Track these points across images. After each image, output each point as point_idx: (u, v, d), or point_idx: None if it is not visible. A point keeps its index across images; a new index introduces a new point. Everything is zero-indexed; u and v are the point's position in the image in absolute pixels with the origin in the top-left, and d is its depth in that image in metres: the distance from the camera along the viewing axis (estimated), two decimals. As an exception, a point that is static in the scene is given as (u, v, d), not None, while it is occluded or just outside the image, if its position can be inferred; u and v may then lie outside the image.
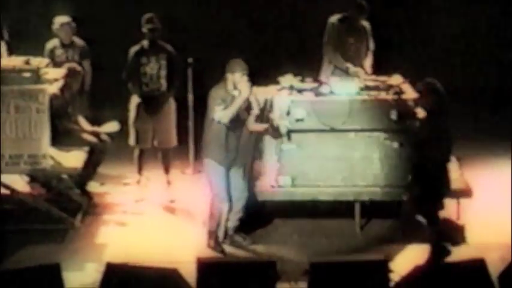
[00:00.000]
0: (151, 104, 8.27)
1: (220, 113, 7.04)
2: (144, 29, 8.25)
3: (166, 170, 8.36)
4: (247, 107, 7.23)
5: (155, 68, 8.22)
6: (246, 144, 7.26)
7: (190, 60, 9.08)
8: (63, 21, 8.89)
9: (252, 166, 7.56)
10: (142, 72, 8.25)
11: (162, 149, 8.31)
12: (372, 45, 8.42)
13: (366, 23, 8.37)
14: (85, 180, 8.18)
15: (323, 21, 8.61)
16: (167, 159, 8.36)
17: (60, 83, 8.15)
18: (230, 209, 7.20)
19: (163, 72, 8.24)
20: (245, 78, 7.10)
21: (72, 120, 8.21)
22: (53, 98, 7.99)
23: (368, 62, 8.41)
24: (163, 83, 8.27)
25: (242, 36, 10.95)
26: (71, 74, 8.19)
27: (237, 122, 7.11)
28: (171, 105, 8.32)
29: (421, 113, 7.52)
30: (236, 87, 7.11)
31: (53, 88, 8.09)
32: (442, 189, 6.94)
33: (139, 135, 8.29)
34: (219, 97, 7.08)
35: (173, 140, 8.33)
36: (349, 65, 8.25)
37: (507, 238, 7.25)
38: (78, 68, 8.31)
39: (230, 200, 7.17)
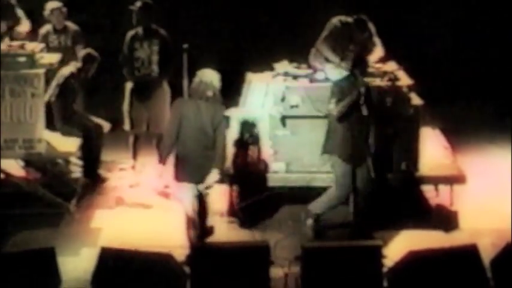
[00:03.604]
0: (143, 89, 8.26)
1: (331, 106, 6.97)
2: (137, 15, 8.23)
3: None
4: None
5: (147, 54, 8.20)
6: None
7: (185, 46, 9.08)
8: (53, 7, 8.88)
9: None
10: (135, 57, 8.24)
11: (156, 135, 8.32)
12: (377, 40, 8.18)
13: (371, 26, 8.07)
14: (94, 164, 8.15)
15: (319, 7, 8.57)
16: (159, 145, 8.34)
17: (78, 65, 8.15)
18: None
19: (155, 58, 8.20)
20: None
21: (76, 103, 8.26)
22: (71, 76, 7.99)
23: (373, 57, 8.10)
24: (155, 68, 8.24)
25: (237, 22, 10.95)
26: (89, 59, 8.17)
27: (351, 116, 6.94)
28: (164, 91, 8.29)
29: (416, 99, 7.55)
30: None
31: (71, 68, 8.10)
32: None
33: (133, 120, 8.29)
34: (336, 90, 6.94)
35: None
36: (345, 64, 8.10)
37: (499, 224, 7.29)
38: (95, 53, 8.29)
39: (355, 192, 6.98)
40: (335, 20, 8.05)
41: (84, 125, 8.17)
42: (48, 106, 7.97)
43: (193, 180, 6.71)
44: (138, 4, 8.21)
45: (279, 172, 7.66)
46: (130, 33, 8.32)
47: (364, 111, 6.93)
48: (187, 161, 6.69)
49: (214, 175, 6.69)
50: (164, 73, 8.24)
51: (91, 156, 8.15)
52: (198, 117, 6.67)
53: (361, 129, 7.08)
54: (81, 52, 8.36)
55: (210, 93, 6.76)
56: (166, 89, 8.32)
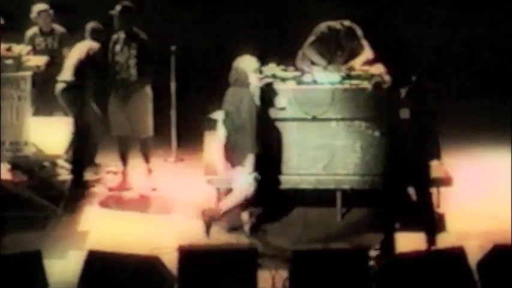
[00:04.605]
0: (124, 93, 8.21)
1: None
2: (118, 19, 8.18)
3: (146, 159, 8.34)
4: None
5: (125, 57, 8.15)
6: None
7: (173, 48, 9.07)
8: (40, 9, 8.86)
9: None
10: (115, 61, 8.20)
11: (139, 138, 8.29)
12: (365, 43, 8.17)
13: (358, 31, 8.08)
14: (81, 167, 8.17)
15: (306, 10, 8.57)
16: (145, 148, 8.30)
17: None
18: None
19: (132, 62, 8.12)
20: None
21: None
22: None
23: (360, 60, 8.08)
24: (133, 72, 8.14)
25: (224, 24, 10.96)
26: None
27: None
28: (145, 95, 8.18)
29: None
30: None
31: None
32: (419, 182, 6.95)
33: (115, 123, 8.26)
34: None
35: (147, 130, 8.20)
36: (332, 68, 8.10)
37: (486, 226, 7.32)
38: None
39: None
40: (323, 26, 8.05)
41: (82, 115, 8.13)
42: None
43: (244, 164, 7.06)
44: (118, 8, 8.17)
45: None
46: (113, 37, 8.29)
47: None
48: (239, 146, 6.97)
49: (251, 159, 7.01)
50: (143, 77, 8.16)
51: (81, 158, 8.14)
52: (241, 106, 7.05)
53: None
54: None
55: (248, 80, 7.08)
56: (146, 92, 8.21)
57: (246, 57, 7.34)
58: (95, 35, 8.31)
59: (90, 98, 8.36)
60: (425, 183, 6.94)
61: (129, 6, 8.18)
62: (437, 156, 7.10)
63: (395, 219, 6.90)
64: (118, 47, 8.19)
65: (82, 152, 8.24)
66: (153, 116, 8.34)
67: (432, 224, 6.92)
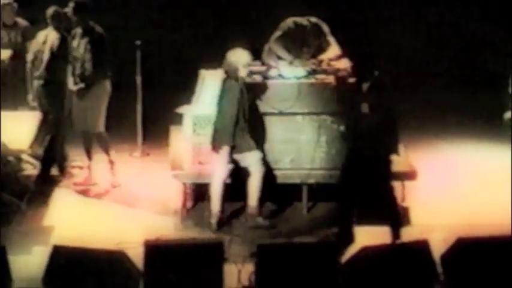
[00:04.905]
0: (80, 89, 8.13)
1: None
2: (72, 16, 8.11)
3: (106, 153, 8.27)
4: None
5: (81, 53, 8.08)
6: None
7: (138, 42, 9.03)
8: (3, 2, 8.76)
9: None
10: (73, 56, 8.13)
11: (95, 133, 8.22)
12: (332, 39, 8.18)
13: (325, 27, 8.10)
14: (50, 163, 8.13)
15: (273, 5, 8.56)
16: (102, 143, 8.21)
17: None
18: None
19: (87, 56, 8.05)
20: None
21: None
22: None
23: (326, 56, 8.05)
24: (88, 67, 8.08)
25: (191, 19, 10.94)
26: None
27: None
28: (101, 90, 8.10)
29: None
30: None
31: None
32: (378, 177, 6.99)
33: (74, 119, 8.20)
34: None
35: (99, 125, 8.14)
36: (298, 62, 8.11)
37: (450, 219, 7.40)
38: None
39: None
40: (289, 21, 8.07)
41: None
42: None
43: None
44: (71, 5, 8.11)
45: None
46: (71, 32, 8.23)
47: None
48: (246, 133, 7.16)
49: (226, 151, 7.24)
50: (98, 72, 8.09)
51: (52, 154, 8.09)
52: (241, 98, 7.18)
53: None
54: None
55: (241, 73, 7.17)
56: (103, 87, 8.13)
57: (238, 50, 7.38)
58: (56, 23, 8.21)
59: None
60: (385, 177, 6.99)
61: (82, 3, 8.10)
62: (396, 150, 7.15)
63: (352, 213, 6.95)
64: (75, 43, 8.14)
65: (54, 148, 8.18)
66: (118, 110, 8.30)
67: (395, 217, 6.98)
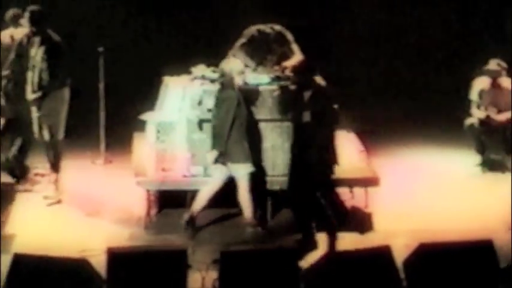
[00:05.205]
0: (39, 97, 8.04)
1: None
2: (29, 24, 8.05)
3: (55, 163, 8.06)
4: None
5: (38, 61, 8.01)
6: None
7: (100, 49, 8.99)
8: None
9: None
10: (31, 64, 8.06)
11: (51, 142, 8.06)
12: (295, 47, 8.20)
13: (289, 35, 8.08)
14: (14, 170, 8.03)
15: (237, 13, 8.57)
16: (56, 152, 8.05)
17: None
18: None
19: (44, 65, 7.96)
20: None
21: None
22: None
23: (289, 63, 8.00)
24: (45, 76, 7.97)
25: (154, 25, 10.92)
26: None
27: None
28: (58, 98, 8.02)
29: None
30: None
31: None
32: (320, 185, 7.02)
33: (38, 128, 8.12)
34: None
35: (58, 134, 8.02)
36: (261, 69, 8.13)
37: (412, 225, 7.46)
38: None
39: None
40: (253, 29, 8.10)
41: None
42: None
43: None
44: (27, 14, 8.05)
45: (197, 176, 7.67)
46: (30, 40, 8.15)
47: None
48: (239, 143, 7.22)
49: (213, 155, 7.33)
50: (55, 81, 8.02)
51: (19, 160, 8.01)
52: (237, 107, 7.25)
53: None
54: None
55: (234, 82, 7.22)
56: (61, 95, 8.06)
57: (230, 60, 7.54)
58: (16, 24, 8.15)
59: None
60: (326, 186, 6.98)
61: (36, 11, 8.03)
62: (335, 160, 7.18)
63: (310, 220, 6.97)
64: (33, 51, 8.07)
65: (24, 153, 8.08)
66: (81, 117, 8.24)
67: (332, 225, 6.99)
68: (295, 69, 7.11)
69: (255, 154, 7.46)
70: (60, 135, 8.09)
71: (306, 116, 6.98)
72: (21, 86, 8.13)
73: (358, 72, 10.81)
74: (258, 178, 7.43)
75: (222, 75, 7.35)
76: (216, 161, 7.28)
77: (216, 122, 7.31)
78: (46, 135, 8.07)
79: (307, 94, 7.02)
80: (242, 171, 7.26)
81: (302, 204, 7.03)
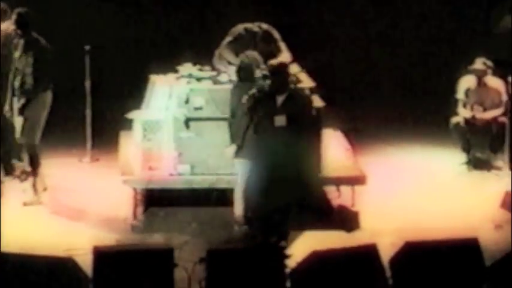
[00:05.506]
0: (22, 102, 8.01)
1: None
2: (15, 28, 7.99)
3: (33, 166, 7.98)
4: None
5: (23, 65, 7.95)
6: None
7: (87, 47, 8.97)
8: None
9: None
10: (15, 68, 8.01)
11: (28, 145, 8.00)
12: (283, 45, 8.19)
13: (276, 34, 8.07)
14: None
15: (224, 11, 8.56)
16: (33, 155, 7.97)
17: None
18: None
19: (28, 70, 7.91)
20: None
21: None
22: None
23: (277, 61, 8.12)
24: (29, 80, 7.93)
25: (141, 24, 10.90)
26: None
27: None
28: (40, 102, 7.94)
29: (318, 101, 7.64)
30: None
31: None
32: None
33: (19, 131, 8.07)
34: None
35: (34, 138, 7.93)
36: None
37: (398, 224, 7.48)
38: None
39: None
40: (240, 27, 8.09)
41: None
42: None
43: None
44: (14, 16, 7.97)
45: (184, 174, 7.66)
46: (14, 42, 8.09)
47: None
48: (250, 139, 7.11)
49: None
50: (38, 85, 7.93)
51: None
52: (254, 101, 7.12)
53: None
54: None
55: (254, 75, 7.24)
56: (43, 100, 7.97)
57: (248, 53, 7.51)
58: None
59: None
60: (304, 198, 6.90)
61: (23, 14, 7.96)
62: (318, 168, 7.14)
63: (284, 220, 6.92)
64: (17, 54, 8.01)
65: (9, 153, 8.05)
66: (67, 115, 8.21)
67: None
68: (273, 70, 7.03)
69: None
70: (37, 139, 8.00)
71: (280, 120, 6.85)
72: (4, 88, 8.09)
73: (344, 70, 10.83)
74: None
75: (240, 68, 7.33)
76: (236, 154, 7.18)
77: (235, 116, 7.21)
78: (22, 139, 8.01)
79: (280, 98, 6.94)
80: (241, 169, 7.19)
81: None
